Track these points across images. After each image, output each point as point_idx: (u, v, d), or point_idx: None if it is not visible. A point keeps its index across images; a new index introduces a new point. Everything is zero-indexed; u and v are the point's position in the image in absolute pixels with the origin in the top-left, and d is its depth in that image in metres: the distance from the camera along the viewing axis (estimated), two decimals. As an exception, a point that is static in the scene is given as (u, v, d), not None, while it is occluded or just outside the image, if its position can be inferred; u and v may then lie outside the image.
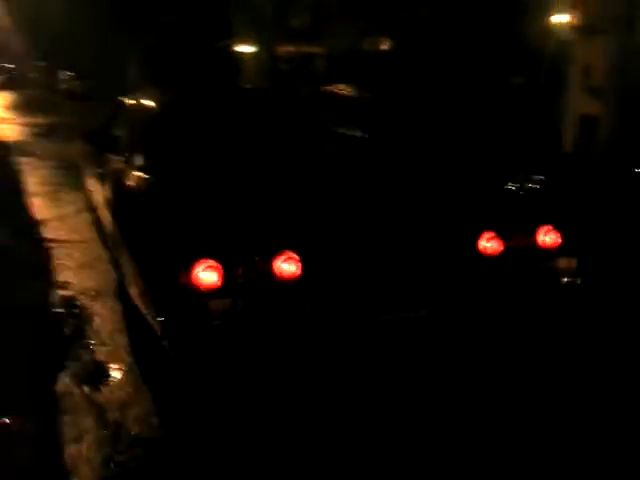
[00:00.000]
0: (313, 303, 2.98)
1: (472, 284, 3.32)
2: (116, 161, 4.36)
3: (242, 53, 27.81)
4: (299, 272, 2.89)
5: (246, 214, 3.14)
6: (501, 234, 3.33)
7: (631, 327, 4.15)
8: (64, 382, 3.50)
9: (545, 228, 3.47)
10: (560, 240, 3.47)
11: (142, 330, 3.43)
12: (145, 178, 3.72)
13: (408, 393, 3.26)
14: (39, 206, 7.72)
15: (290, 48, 21.87)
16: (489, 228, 3.35)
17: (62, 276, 5.16)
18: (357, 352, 3.13)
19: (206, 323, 2.85)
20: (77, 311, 4.46)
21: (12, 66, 51.74)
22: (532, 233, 3.46)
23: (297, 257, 2.89)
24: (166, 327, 3.02)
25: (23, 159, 11.51)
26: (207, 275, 2.78)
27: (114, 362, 3.76)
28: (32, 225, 6.61)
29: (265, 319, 2.91)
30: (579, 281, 3.57)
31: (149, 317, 3.31)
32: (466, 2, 15.56)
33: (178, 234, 3.04)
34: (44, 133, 16.01)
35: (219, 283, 2.80)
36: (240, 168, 3.62)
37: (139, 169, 3.87)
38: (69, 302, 4.61)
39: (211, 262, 2.79)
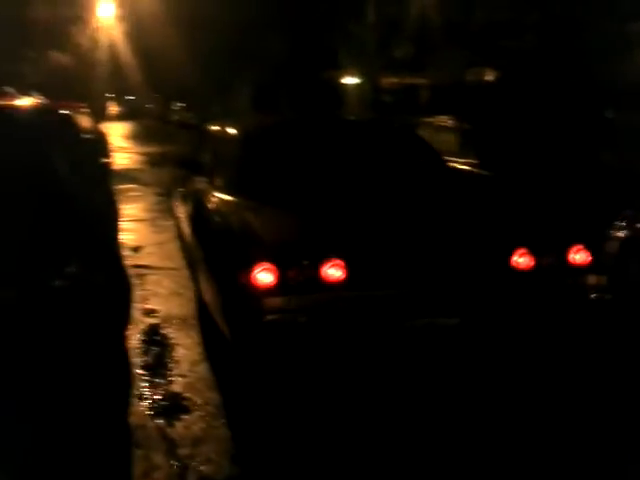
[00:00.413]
0: (355, 305, 3.32)
1: (503, 297, 3.50)
2: (200, 182, 4.96)
3: (346, 84, 28.17)
4: (343, 276, 3.24)
5: (304, 226, 3.63)
6: (533, 251, 3.51)
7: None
8: (138, 413, 3.43)
9: (576, 247, 3.61)
10: (590, 258, 3.60)
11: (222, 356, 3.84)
12: (221, 195, 4.29)
13: (437, 394, 3.46)
14: (139, 232, 7.97)
15: (393, 79, 21.82)
16: (522, 245, 3.52)
17: (150, 303, 5.18)
18: (393, 351, 3.40)
19: (260, 317, 3.20)
20: (160, 339, 4.43)
21: (132, 98, 55.26)
22: (563, 251, 3.60)
23: (342, 263, 3.24)
24: (231, 322, 3.48)
25: (132, 186, 12.05)
26: (263, 276, 3.18)
27: (191, 395, 3.66)
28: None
29: (312, 317, 3.25)
30: (608, 297, 3.67)
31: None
32: (569, 33, 15.10)
33: (241, 241, 3.54)
34: (155, 161, 16.77)
35: (274, 283, 3.17)
36: (307, 189, 4.02)
37: (219, 188, 4.42)
38: (153, 330, 4.59)
39: (267, 265, 3.18)
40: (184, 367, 4.01)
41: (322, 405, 3.38)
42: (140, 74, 36.18)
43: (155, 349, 4.27)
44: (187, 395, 3.64)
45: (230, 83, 31.61)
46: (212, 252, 3.95)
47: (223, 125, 5.41)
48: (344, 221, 3.65)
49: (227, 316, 3.53)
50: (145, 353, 4.21)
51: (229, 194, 4.19)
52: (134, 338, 4.44)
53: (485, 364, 3.51)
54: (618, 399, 3.49)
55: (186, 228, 5.15)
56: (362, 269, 3.32)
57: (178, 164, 6.29)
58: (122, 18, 29.51)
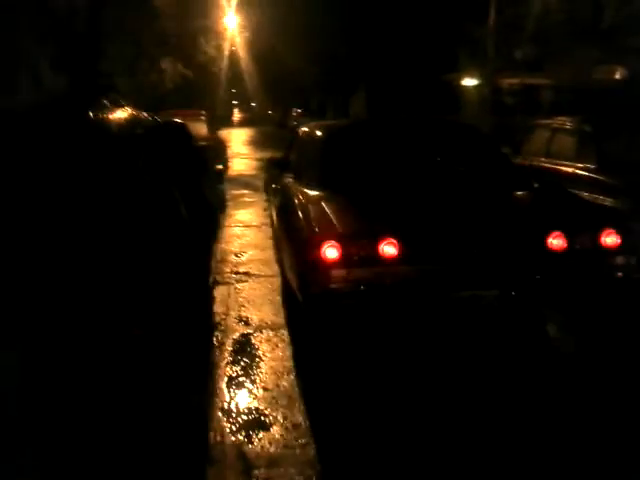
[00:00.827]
0: (407, 278, 3.84)
1: (539, 274, 3.98)
2: (288, 178, 5.70)
3: (466, 86, 27.41)
4: (396, 253, 3.77)
5: (366, 211, 4.23)
6: (567, 233, 3.96)
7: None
8: (219, 429, 3.38)
9: (607, 230, 4.03)
10: (619, 241, 4.01)
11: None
12: (302, 188, 4.95)
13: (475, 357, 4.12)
14: (245, 237, 8.09)
15: (514, 79, 20.90)
16: (557, 228, 3.96)
17: (244, 311, 5.18)
18: (441, 319, 4.07)
19: (327, 286, 3.82)
20: (249, 350, 4.39)
21: (253, 104, 57.13)
22: (596, 234, 4.04)
23: (395, 242, 3.77)
24: (304, 290, 4.12)
25: (245, 191, 12.32)
26: (330, 252, 3.78)
27: (273, 411, 3.56)
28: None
29: (370, 287, 3.82)
30: (636, 276, 4.07)
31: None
32: None
33: (314, 223, 4.15)
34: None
35: (338, 258, 3.77)
36: (374, 180, 4.67)
37: (301, 182, 5.11)
38: (244, 340, 4.56)
39: (333, 242, 3.78)
40: (270, 380, 3.94)
41: (373, 360, 4.10)
42: (262, 81, 37.30)
43: (244, 360, 4.22)
44: (269, 411, 3.55)
45: (345, 88, 31.76)
46: (292, 234, 4.60)
47: (308, 128, 6.18)
48: (401, 206, 4.25)
49: (302, 286, 4.17)
50: (233, 363, 4.17)
51: (309, 187, 4.83)
52: (225, 347, 4.43)
53: (519, 333, 4.33)
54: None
55: (275, 217, 6.18)
56: (413, 247, 3.84)
57: (273, 164, 7.25)
58: (245, 28, 30.51)
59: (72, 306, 2.39)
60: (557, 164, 7.22)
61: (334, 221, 4.03)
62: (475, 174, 4.90)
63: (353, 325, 4.02)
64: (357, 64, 29.62)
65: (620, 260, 4.07)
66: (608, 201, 6.15)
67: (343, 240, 3.80)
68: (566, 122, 7.40)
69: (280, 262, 5.62)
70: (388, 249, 3.76)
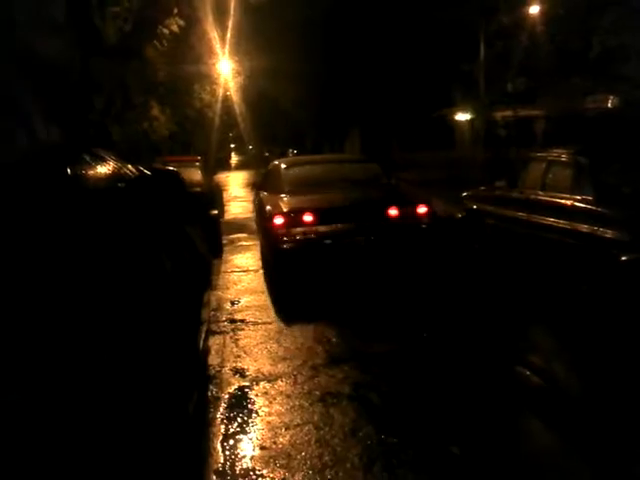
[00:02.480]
0: (319, 233, 7.00)
1: (385, 227, 7.19)
2: (259, 193, 9.47)
3: (459, 121, 27.62)
4: (312, 220, 6.94)
5: (299, 200, 7.51)
6: (397, 205, 7.32)
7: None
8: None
9: (420, 203, 7.51)
10: (426, 210, 7.43)
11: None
12: (265, 194, 8.81)
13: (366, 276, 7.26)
14: (240, 283, 7.95)
15: (507, 112, 21.01)
16: (392, 204, 7.30)
17: (240, 362, 5.02)
18: (342, 253, 6.99)
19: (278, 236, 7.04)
20: (245, 404, 4.21)
21: (250, 147, 57.56)
22: (412, 205, 7.46)
23: (312, 214, 6.93)
24: (269, 251, 7.72)
25: (241, 235, 12.24)
26: (278, 219, 7.04)
27: (270, 472, 3.38)
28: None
29: (301, 239, 6.96)
30: (425, 227, 7.43)
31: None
32: None
33: (270, 209, 7.57)
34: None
35: (283, 224, 6.97)
36: (309, 187, 8.04)
37: (268, 193, 8.84)
38: (240, 394, 4.39)
39: (280, 216, 7.00)
40: (267, 437, 3.76)
41: (312, 281, 7.16)
42: (257, 124, 37.63)
43: (240, 416, 4.05)
44: (266, 472, 3.37)
45: (339, 128, 32.00)
46: (262, 215, 8.13)
47: (274, 163, 9.61)
48: (315, 199, 7.35)
49: (268, 249, 7.72)
50: (229, 420, 4.00)
51: (271, 194, 8.29)
52: (220, 403, 4.26)
53: (382, 261, 7.21)
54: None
55: (255, 216, 10.21)
56: (320, 217, 6.98)
57: (254, 186, 11.49)
58: (238, 73, 30.90)
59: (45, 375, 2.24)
60: (554, 196, 7.13)
61: (281, 206, 7.25)
62: (360, 184, 8.10)
63: (298, 259, 6.92)
64: (350, 106, 29.89)
65: (426, 219, 7.44)
66: (608, 233, 6.04)
67: (285, 214, 7.02)
68: (561, 154, 7.32)
69: (261, 245, 9.27)
70: (307, 218, 6.93)
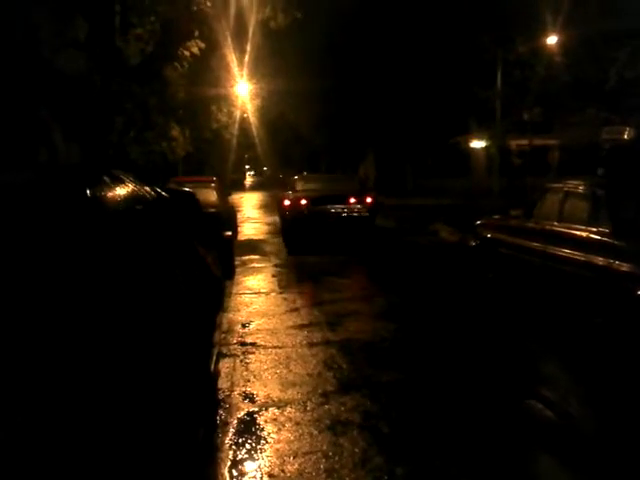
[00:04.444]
0: (310, 211, 13.68)
1: (349, 210, 13.74)
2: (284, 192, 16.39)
3: (474, 148, 27.66)
4: (306, 203, 13.71)
5: (299, 194, 14.51)
6: (355, 197, 13.89)
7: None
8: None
9: (368, 196, 14.13)
10: (372, 200, 14.01)
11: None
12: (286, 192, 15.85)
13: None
14: (252, 305, 7.95)
15: (522, 141, 21.05)
16: (351, 195, 13.92)
17: (250, 386, 4.99)
18: (321, 222, 13.59)
19: (286, 214, 14.51)
20: (254, 430, 4.18)
21: (265, 168, 57.87)
22: (364, 197, 14.05)
23: (306, 200, 13.74)
24: (281, 222, 15.80)
25: (254, 257, 12.26)
26: (287, 203, 14.34)
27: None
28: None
29: (300, 214, 13.81)
30: (367, 213, 13.82)
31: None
32: None
33: (282, 198, 15.79)
34: (278, 231, 17.17)
35: (290, 206, 14.17)
36: (308, 188, 15.08)
37: (286, 191, 16.09)
38: (249, 419, 4.36)
39: (288, 201, 14.39)
40: (275, 464, 3.72)
41: (304, 242, 13.42)
42: (273, 146, 37.92)
43: (248, 442, 4.01)
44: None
45: (354, 153, 32.13)
46: (280, 202, 15.62)
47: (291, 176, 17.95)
48: (310, 195, 13.81)
49: (281, 221, 15.64)
50: (237, 446, 3.96)
51: (289, 192, 14.96)
52: (229, 428, 4.23)
53: (343, 224, 13.70)
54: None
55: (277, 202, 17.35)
56: (312, 203, 13.55)
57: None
58: (256, 95, 31.24)
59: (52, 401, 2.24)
60: (570, 228, 7.09)
61: (290, 196, 14.30)
62: (337, 187, 14.55)
63: (298, 229, 13.65)
64: (365, 132, 30.08)
65: (372, 206, 13.85)
66: (624, 266, 5.99)
67: (289, 201, 14.12)
68: (578, 185, 7.29)
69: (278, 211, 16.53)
70: (303, 201, 13.51)
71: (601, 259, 6.37)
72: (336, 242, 13.30)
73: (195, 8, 12.32)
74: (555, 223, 7.45)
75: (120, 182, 3.47)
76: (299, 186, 14.56)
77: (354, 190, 14.28)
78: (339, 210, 13.48)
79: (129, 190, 3.47)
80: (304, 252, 12.67)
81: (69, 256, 2.53)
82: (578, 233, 6.90)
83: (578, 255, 6.80)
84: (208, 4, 12.48)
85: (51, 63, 9.38)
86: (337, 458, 3.76)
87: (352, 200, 13.49)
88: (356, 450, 3.86)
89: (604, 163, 14.07)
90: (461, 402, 4.73)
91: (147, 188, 4.00)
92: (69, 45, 10.08)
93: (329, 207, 13.43)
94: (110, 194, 3.19)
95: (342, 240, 13.42)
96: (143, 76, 11.51)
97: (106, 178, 3.35)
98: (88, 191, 2.95)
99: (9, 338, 2.02)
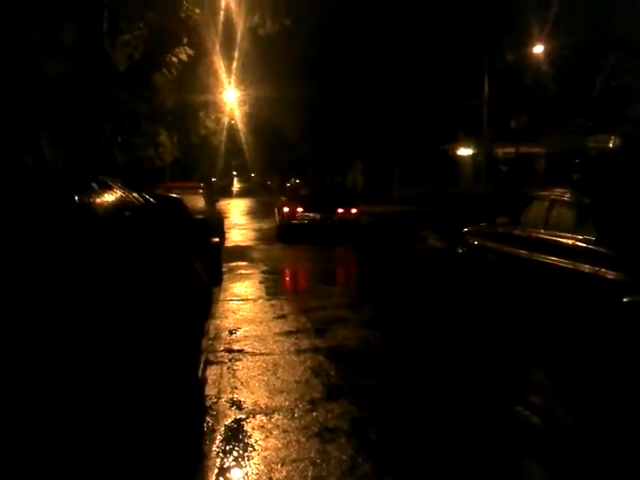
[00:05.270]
0: (306, 216, 16.18)
1: (337, 218, 16.16)
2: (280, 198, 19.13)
3: (462, 156, 27.82)
4: (302, 211, 16.06)
5: (295, 203, 16.78)
6: (343, 206, 16.24)
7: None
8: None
9: (353, 207, 16.43)
10: (357, 211, 16.39)
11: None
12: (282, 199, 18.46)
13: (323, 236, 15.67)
14: (239, 312, 7.93)
15: (509, 148, 21.22)
16: (340, 206, 16.19)
17: (237, 393, 4.97)
18: (316, 226, 15.99)
19: (284, 219, 16.64)
20: (241, 437, 4.16)
21: (252, 175, 57.91)
22: (350, 207, 16.36)
23: (301, 208, 16.09)
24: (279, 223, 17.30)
25: (241, 263, 12.23)
26: (286, 210, 16.39)
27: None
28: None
29: (295, 220, 16.23)
30: (354, 220, 16.43)
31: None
32: None
33: (281, 204, 17.69)
34: (265, 238, 17.18)
35: (288, 213, 16.32)
36: (300, 198, 17.60)
37: (283, 198, 18.56)
38: (236, 427, 4.34)
39: (287, 208, 16.43)
40: (262, 472, 3.70)
41: (296, 237, 15.71)
42: (260, 153, 37.92)
43: (235, 449, 4.00)
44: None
45: (341, 160, 32.19)
46: (278, 210, 17.39)
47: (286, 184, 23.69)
48: (304, 202, 16.28)
49: (279, 223, 17.02)
50: (224, 453, 3.94)
51: (285, 199, 17.68)
52: (216, 435, 4.21)
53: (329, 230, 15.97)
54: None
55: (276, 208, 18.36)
56: (305, 209, 15.95)
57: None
58: (244, 102, 31.27)
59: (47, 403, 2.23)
60: (556, 235, 7.15)
61: (287, 204, 16.54)
62: (327, 196, 17.13)
63: (293, 231, 15.89)
64: (353, 139, 30.17)
65: (357, 215, 16.33)
66: (610, 274, 6.04)
67: (287, 207, 16.25)
68: (564, 194, 7.37)
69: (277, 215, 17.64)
70: (299, 209, 15.86)
71: (587, 266, 6.43)
72: (326, 241, 15.46)
73: (184, 15, 12.30)
74: (541, 230, 7.52)
75: (108, 189, 3.47)
76: (295, 194, 17.55)
77: (342, 200, 16.93)
78: (329, 217, 15.98)
79: (117, 196, 3.47)
80: (296, 242, 15.64)
81: (58, 262, 2.52)
82: (564, 240, 6.97)
83: (564, 262, 6.86)
84: (197, 11, 12.46)
85: (39, 68, 9.34)
86: (325, 465, 3.76)
87: (339, 210, 16.03)
88: (344, 457, 3.86)
89: (579, 169, 14.30)
90: (449, 409, 4.74)
91: (135, 194, 4.00)
92: (57, 50, 10.04)
93: (319, 215, 15.93)
94: (98, 201, 3.18)
95: (331, 240, 15.59)
96: (131, 82, 11.49)
97: (94, 185, 3.34)
98: (76, 197, 2.94)
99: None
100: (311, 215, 15.89)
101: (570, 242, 6.83)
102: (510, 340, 6.65)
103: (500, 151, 21.81)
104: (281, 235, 16.56)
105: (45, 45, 9.77)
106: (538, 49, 19.33)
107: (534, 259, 7.53)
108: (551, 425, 4.44)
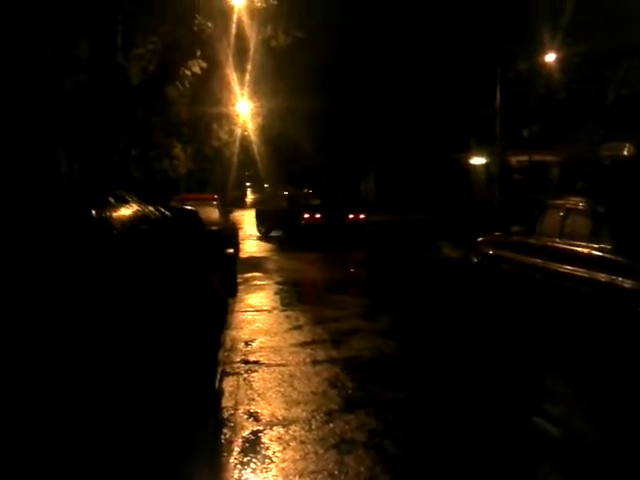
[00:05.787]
0: (319, 220, 18.18)
1: (344, 221, 18.45)
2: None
3: (475, 165, 27.76)
4: (319, 216, 18.06)
5: (308, 209, 18.86)
6: (354, 213, 18.78)
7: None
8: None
9: (361, 213, 18.90)
10: (364, 216, 18.85)
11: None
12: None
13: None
14: (254, 323, 7.94)
15: (522, 157, 21.14)
16: (352, 212, 18.83)
17: (254, 405, 4.97)
18: (325, 229, 17.75)
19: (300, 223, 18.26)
20: (259, 449, 4.17)
21: (266, 185, 58.08)
22: (359, 213, 18.89)
23: (317, 214, 18.04)
24: (290, 226, 19.23)
25: (256, 274, 12.27)
26: (306, 215, 18.08)
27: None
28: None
29: (312, 222, 18.12)
30: (365, 224, 18.99)
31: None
32: None
33: (297, 210, 19.25)
34: (280, 248, 17.23)
35: (308, 218, 18.01)
36: (308, 206, 19.61)
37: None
38: (253, 438, 4.35)
39: (307, 213, 18.05)
40: (280, 483, 3.71)
41: (302, 240, 17.58)
42: (274, 163, 38.06)
43: (253, 461, 4.00)
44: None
45: (354, 170, 32.23)
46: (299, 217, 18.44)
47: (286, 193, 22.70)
48: (313, 207, 18.54)
49: (299, 228, 18.33)
50: (242, 465, 3.95)
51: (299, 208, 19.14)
52: (233, 447, 4.22)
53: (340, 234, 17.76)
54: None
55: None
56: (315, 214, 18.03)
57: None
58: (257, 113, 31.45)
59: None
60: (571, 244, 7.11)
61: (304, 209, 18.26)
62: (337, 204, 22.76)
63: (309, 232, 17.56)
64: (366, 149, 30.21)
65: (364, 221, 18.67)
66: (627, 283, 6.00)
67: (305, 212, 17.96)
68: (579, 202, 7.32)
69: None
70: (314, 215, 17.87)
71: (603, 275, 6.39)
72: (339, 243, 17.38)
73: (196, 28, 12.43)
74: (557, 239, 7.47)
75: (124, 202, 3.50)
76: (312, 202, 19.69)
77: (350, 207, 20.48)
78: (342, 222, 18.35)
79: (133, 210, 3.50)
80: (312, 249, 16.68)
81: (77, 278, 2.55)
82: (580, 249, 6.92)
83: (580, 272, 6.81)
84: (209, 25, 12.59)
85: (55, 83, 9.47)
86: (343, 477, 3.75)
87: (350, 215, 18.55)
88: (362, 469, 3.85)
89: (584, 178, 14.22)
90: (467, 420, 4.72)
91: (151, 208, 4.03)
92: (72, 65, 10.18)
93: (330, 221, 18.04)
94: (115, 215, 3.21)
95: (343, 241, 17.52)
96: (145, 95, 11.61)
97: (111, 199, 3.37)
98: (94, 212, 2.97)
99: (14, 358, 2.04)
100: (323, 220, 18.22)
101: (586, 251, 6.79)
102: (526, 350, 6.60)
103: (513, 159, 21.74)
104: (302, 239, 18.20)
105: (60, 60, 9.92)
106: (550, 57, 19.30)
107: (549, 268, 7.48)
108: (571, 437, 4.40)
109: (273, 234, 20.78)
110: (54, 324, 2.33)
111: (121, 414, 2.40)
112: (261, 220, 22.39)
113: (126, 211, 3.36)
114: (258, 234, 21.80)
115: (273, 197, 23.88)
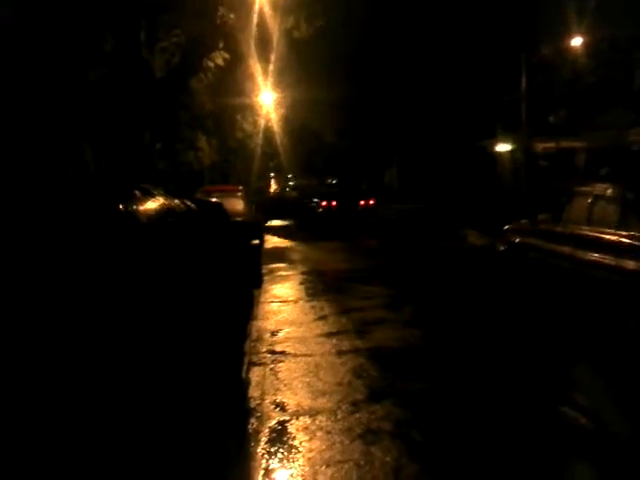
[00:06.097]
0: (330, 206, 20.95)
1: (356, 207, 21.38)
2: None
3: (500, 152, 27.43)
4: (326, 204, 20.94)
5: (322, 198, 21.97)
6: (365, 199, 21.53)
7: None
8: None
9: (371, 199, 21.59)
10: (373, 202, 21.51)
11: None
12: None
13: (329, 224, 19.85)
14: (280, 314, 7.99)
15: (549, 143, 20.83)
16: (363, 198, 21.50)
17: (280, 395, 5.02)
18: (320, 213, 20.79)
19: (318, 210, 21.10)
20: (285, 439, 4.20)
21: (290, 176, 58.22)
22: (369, 198, 21.73)
23: (327, 201, 20.85)
24: (308, 212, 22.05)
25: (281, 265, 12.32)
26: (330, 204, 20.78)
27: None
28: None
29: (328, 206, 20.85)
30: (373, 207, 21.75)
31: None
32: None
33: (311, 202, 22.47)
34: (304, 239, 17.27)
35: (324, 206, 20.76)
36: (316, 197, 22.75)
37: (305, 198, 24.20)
38: (280, 428, 4.39)
39: (322, 201, 20.93)
40: (307, 474, 3.73)
41: (326, 224, 20.08)
42: (298, 154, 38.08)
43: (280, 451, 4.04)
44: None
45: (378, 160, 32.08)
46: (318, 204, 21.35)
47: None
48: (322, 195, 21.68)
49: (318, 213, 20.91)
50: (269, 455, 3.99)
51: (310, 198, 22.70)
52: (261, 437, 4.26)
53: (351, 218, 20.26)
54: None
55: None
56: (329, 202, 20.76)
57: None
58: (280, 104, 31.46)
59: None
60: (600, 232, 7.01)
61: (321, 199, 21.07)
62: (350, 192, 23.63)
63: (325, 218, 20.34)
64: (390, 138, 30.04)
65: (373, 205, 21.26)
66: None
67: (323, 201, 20.73)
68: (607, 189, 7.21)
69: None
70: (331, 203, 20.43)
71: (632, 263, 6.29)
72: (356, 229, 19.27)
73: (219, 20, 12.46)
74: (584, 227, 7.38)
75: (151, 196, 3.54)
76: (327, 191, 23.12)
77: (361, 194, 23.19)
78: (354, 207, 20.70)
79: (160, 203, 3.54)
80: (333, 237, 17.62)
81: (106, 270, 2.59)
82: (608, 237, 6.83)
83: (608, 259, 6.72)
84: (232, 16, 12.61)
85: (81, 77, 9.58)
86: (369, 467, 3.77)
87: (361, 201, 20.99)
88: (388, 459, 3.86)
89: (607, 164, 13.95)
90: (494, 410, 4.70)
91: (177, 201, 4.06)
92: (97, 59, 10.29)
93: (344, 207, 20.45)
94: (142, 208, 3.25)
95: (357, 226, 19.58)
96: (170, 88, 11.68)
97: (137, 192, 3.41)
98: (121, 206, 3.01)
99: (46, 356, 2.08)
100: (337, 206, 20.52)
101: (614, 238, 6.69)
102: (554, 338, 6.55)
103: (540, 146, 21.43)
104: (321, 223, 20.35)
105: (86, 55, 10.02)
106: (576, 42, 18.96)
107: (577, 256, 7.40)
108: (600, 427, 4.36)
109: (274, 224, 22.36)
110: (82, 317, 2.37)
111: (149, 403, 2.44)
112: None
113: (152, 204, 3.40)
114: (282, 224, 22.01)
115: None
